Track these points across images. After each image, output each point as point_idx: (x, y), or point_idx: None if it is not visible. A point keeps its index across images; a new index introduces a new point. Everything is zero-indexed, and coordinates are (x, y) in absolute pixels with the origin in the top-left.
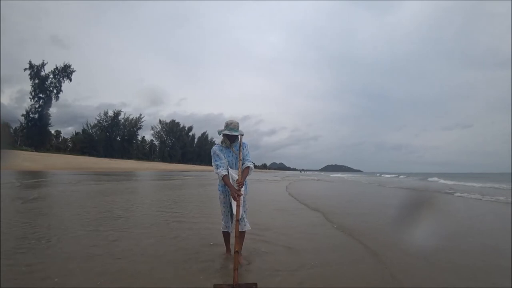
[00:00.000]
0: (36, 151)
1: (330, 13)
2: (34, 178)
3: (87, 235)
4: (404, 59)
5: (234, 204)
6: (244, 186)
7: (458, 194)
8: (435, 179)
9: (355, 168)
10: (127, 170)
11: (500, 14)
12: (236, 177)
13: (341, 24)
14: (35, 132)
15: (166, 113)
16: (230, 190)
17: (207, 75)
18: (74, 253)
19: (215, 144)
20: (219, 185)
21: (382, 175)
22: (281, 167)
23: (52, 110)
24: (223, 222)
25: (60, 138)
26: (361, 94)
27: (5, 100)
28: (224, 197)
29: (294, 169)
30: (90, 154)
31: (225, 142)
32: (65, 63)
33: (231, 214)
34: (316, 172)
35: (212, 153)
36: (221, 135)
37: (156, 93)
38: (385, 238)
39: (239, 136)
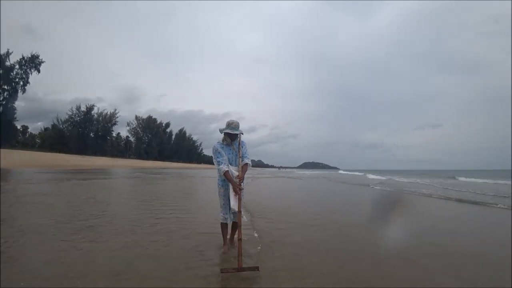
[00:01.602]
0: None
1: (309, 14)
2: None
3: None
4: (381, 62)
5: (232, 197)
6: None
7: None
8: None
9: (332, 165)
10: (100, 168)
11: (469, 21)
12: (235, 173)
13: (319, 26)
14: None
15: (144, 109)
16: (232, 185)
17: (187, 72)
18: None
19: (217, 143)
20: (218, 179)
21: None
22: (259, 164)
23: (19, 104)
24: (221, 214)
25: (27, 134)
26: (338, 94)
27: None
28: (224, 191)
29: (272, 166)
30: (60, 151)
31: (226, 140)
32: (33, 53)
33: (229, 206)
34: (293, 169)
35: (213, 150)
36: (223, 133)
37: (133, 89)
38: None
39: (239, 135)
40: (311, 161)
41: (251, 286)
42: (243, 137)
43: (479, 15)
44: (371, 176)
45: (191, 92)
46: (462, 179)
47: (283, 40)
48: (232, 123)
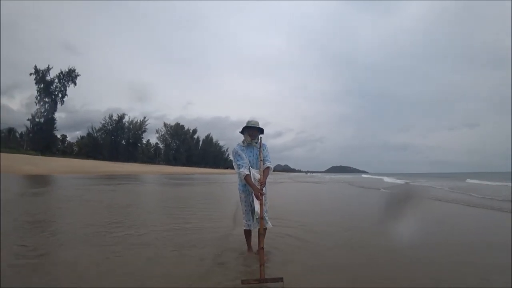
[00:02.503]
0: (42, 155)
1: (330, 15)
2: (33, 182)
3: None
4: (408, 60)
5: (256, 202)
6: (264, 186)
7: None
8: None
9: (360, 169)
10: (131, 173)
11: (497, 14)
12: (258, 176)
13: (342, 26)
14: (40, 137)
15: (173, 116)
16: (253, 190)
17: (213, 78)
18: None
19: (237, 145)
20: (239, 184)
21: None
22: (286, 169)
23: (61, 115)
24: (244, 221)
25: (66, 143)
26: (366, 95)
27: (15, 106)
28: (245, 196)
29: (299, 171)
30: (95, 158)
31: (246, 139)
32: (70, 67)
33: (252, 212)
34: (321, 174)
35: (233, 153)
36: (243, 133)
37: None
38: None
39: (259, 137)
40: (339, 165)
41: None
42: (264, 140)
43: (507, 7)
44: (387, 179)
45: (217, 99)
46: (474, 181)
47: (306, 42)
48: (252, 120)
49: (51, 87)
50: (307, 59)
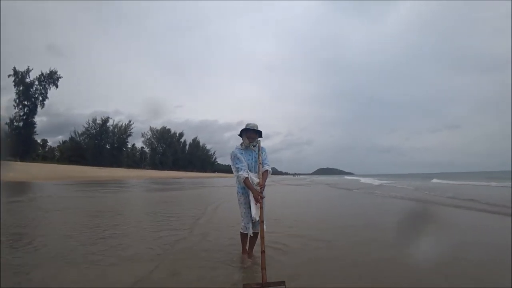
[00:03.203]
0: (21, 160)
1: (319, 19)
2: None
3: None
4: (394, 64)
5: (253, 206)
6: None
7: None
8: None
9: (346, 170)
10: (115, 179)
11: (484, 19)
12: (256, 180)
13: (330, 30)
14: (19, 141)
15: (161, 120)
16: (253, 193)
17: (201, 82)
18: None
19: (236, 148)
20: (238, 187)
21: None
22: (273, 171)
23: (42, 119)
24: (242, 224)
25: (47, 147)
26: (353, 98)
27: None
28: (244, 199)
29: (286, 173)
30: (78, 163)
31: (245, 142)
32: (51, 69)
33: (251, 216)
34: (308, 176)
35: (232, 156)
36: (242, 136)
37: (157, 104)
38: None
39: (258, 141)
40: (325, 167)
41: None
42: (262, 144)
43: (494, 12)
44: (363, 180)
45: (205, 102)
46: (438, 181)
47: (295, 46)
48: (250, 123)
49: (31, 89)
50: (296, 63)
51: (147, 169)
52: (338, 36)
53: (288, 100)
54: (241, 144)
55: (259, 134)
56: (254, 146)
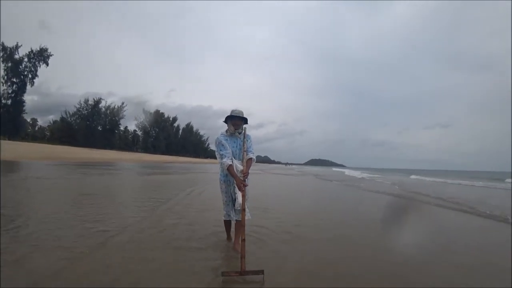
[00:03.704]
0: (10, 139)
1: (318, 11)
2: None
3: None
4: (391, 59)
5: (238, 194)
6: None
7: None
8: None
9: (338, 162)
10: (106, 161)
11: (482, 19)
12: (240, 167)
13: (330, 22)
14: (8, 119)
15: (154, 103)
16: (236, 181)
17: (198, 67)
18: None
19: (221, 134)
20: (220, 174)
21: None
22: (265, 160)
23: (33, 98)
24: (224, 211)
25: (37, 127)
26: (348, 91)
27: None
28: (226, 187)
29: (279, 162)
30: (69, 144)
31: (230, 128)
32: (42, 46)
33: (232, 203)
34: (299, 166)
35: (216, 143)
36: (227, 122)
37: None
38: None
39: (244, 128)
40: (317, 158)
41: None
42: (248, 131)
43: (492, 12)
44: (347, 172)
45: (201, 88)
46: (416, 177)
47: (293, 37)
48: (236, 109)
49: (20, 66)
50: (293, 53)
51: (140, 152)
52: (338, 29)
53: (284, 90)
54: (226, 131)
55: (245, 121)
56: (239, 133)
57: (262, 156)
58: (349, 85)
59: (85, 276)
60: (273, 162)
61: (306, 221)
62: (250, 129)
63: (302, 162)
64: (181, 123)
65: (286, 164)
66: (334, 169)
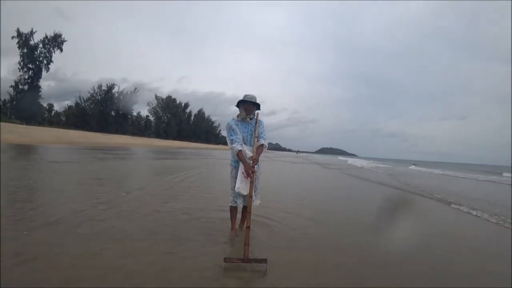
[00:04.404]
0: (27, 124)
1: None
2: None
3: None
4: (410, 48)
5: (239, 179)
6: (257, 163)
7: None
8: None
9: (350, 152)
10: (118, 146)
11: (504, 8)
12: (249, 153)
13: (347, 9)
14: (25, 105)
15: (167, 89)
16: (244, 167)
17: (211, 53)
18: None
19: (232, 119)
20: (231, 159)
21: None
22: (276, 147)
23: (49, 84)
24: (231, 197)
25: (53, 112)
26: (362, 80)
27: (3, 73)
28: (235, 172)
29: (290, 150)
30: (83, 129)
31: (241, 113)
32: (56, 31)
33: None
34: (309, 154)
35: (227, 128)
36: (239, 107)
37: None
38: None
39: (256, 113)
40: (329, 146)
41: (255, 279)
42: (260, 118)
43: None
44: (350, 161)
45: (214, 74)
46: (415, 168)
47: (309, 23)
48: (248, 94)
49: (35, 52)
50: (308, 39)
51: (152, 137)
52: (355, 16)
53: (298, 78)
54: (237, 116)
55: (257, 106)
56: (250, 119)
57: (274, 143)
58: (364, 74)
59: None
60: (284, 149)
61: (293, 206)
62: (262, 116)
63: (313, 151)
64: (193, 109)
65: (298, 152)
66: (340, 158)
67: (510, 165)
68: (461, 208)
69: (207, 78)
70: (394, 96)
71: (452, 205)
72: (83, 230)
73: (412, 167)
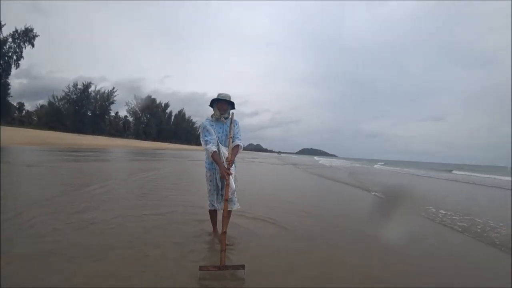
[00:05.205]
0: None
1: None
2: None
3: None
4: (388, 50)
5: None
6: (233, 165)
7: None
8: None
9: (330, 152)
10: (96, 147)
11: (480, 15)
12: (227, 154)
13: (328, 11)
14: None
15: (148, 89)
16: (220, 168)
17: (193, 53)
18: None
19: (206, 119)
20: (206, 161)
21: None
22: (257, 148)
23: (22, 81)
24: (209, 201)
25: (24, 111)
26: (344, 80)
27: None
28: (210, 175)
29: (271, 151)
30: (57, 129)
31: (215, 113)
32: (27, 26)
33: (217, 192)
34: (291, 155)
35: (201, 128)
36: (212, 107)
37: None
38: None
39: (231, 113)
40: (310, 147)
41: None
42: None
43: (491, 9)
44: (321, 161)
45: (196, 74)
46: (379, 166)
47: (292, 24)
48: (222, 93)
49: (4, 47)
50: (291, 41)
51: (130, 138)
52: (336, 18)
53: (281, 78)
54: (212, 116)
55: (232, 105)
56: (225, 119)
57: (255, 144)
58: (345, 74)
59: None
60: (265, 150)
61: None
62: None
63: (294, 151)
64: (174, 109)
65: (279, 153)
66: (316, 158)
67: (484, 164)
68: (374, 193)
69: (190, 78)
70: (374, 96)
71: (372, 193)
72: None
73: (377, 165)
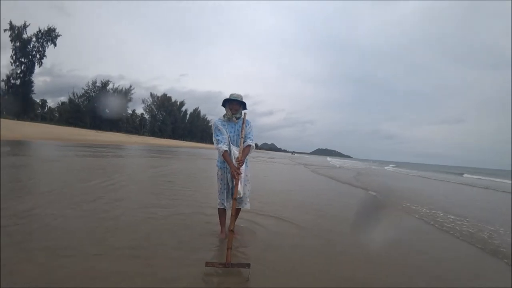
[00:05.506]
0: (18, 119)
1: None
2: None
3: None
4: (405, 51)
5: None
6: (244, 165)
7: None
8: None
9: (345, 153)
10: (114, 143)
11: (500, 14)
12: (237, 154)
13: (344, 12)
14: (16, 100)
15: (164, 87)
16: (230, 168)
17: (210, 52)
18: None
19: (218, 119)
20: (218, 160)
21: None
22: (272, 147)
23: (45, 79)
24: (219, 199)
25: (46, 108)
26: (360, 82)
27: None
28: (222, 174)
29: (285, 151)
30: (76, 125)
31: (227, 113)
32: (50, 26)
33: (227, 191)
34: (305, 155)
35: (213, 127)
36: (224, 107)
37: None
38: None
39: (243, 113)
40: (324, 148)
41: (237, 286)
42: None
43: (506, 10)
44: (331, 161)
45: (212, 73)
46: (391, 168)
47: (308, 25)
48: (234, 93)
49: (28, 46)
50: (309, 41)
51: (146, 135)
52: (352, 19)
53: (296, 79)
54: (224, 115)
55: (243, 106)
56: (237, 119)
57: (269, 143)
58: (361, 76)
59: None
60: (280, 150)
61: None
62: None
63: (309, 151)
64: (189, 107)
65: (293, 153)
66: (328, 158)
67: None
68: (371, 192)
69: (206, 77)
70: (390, 98)
71: (370, 192)
72: None
73: (388, 167)
